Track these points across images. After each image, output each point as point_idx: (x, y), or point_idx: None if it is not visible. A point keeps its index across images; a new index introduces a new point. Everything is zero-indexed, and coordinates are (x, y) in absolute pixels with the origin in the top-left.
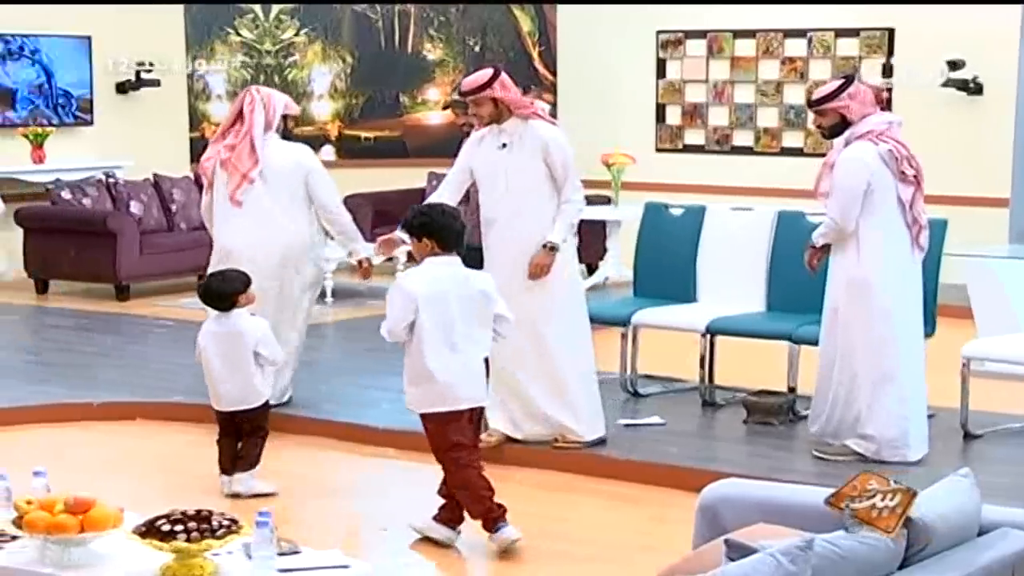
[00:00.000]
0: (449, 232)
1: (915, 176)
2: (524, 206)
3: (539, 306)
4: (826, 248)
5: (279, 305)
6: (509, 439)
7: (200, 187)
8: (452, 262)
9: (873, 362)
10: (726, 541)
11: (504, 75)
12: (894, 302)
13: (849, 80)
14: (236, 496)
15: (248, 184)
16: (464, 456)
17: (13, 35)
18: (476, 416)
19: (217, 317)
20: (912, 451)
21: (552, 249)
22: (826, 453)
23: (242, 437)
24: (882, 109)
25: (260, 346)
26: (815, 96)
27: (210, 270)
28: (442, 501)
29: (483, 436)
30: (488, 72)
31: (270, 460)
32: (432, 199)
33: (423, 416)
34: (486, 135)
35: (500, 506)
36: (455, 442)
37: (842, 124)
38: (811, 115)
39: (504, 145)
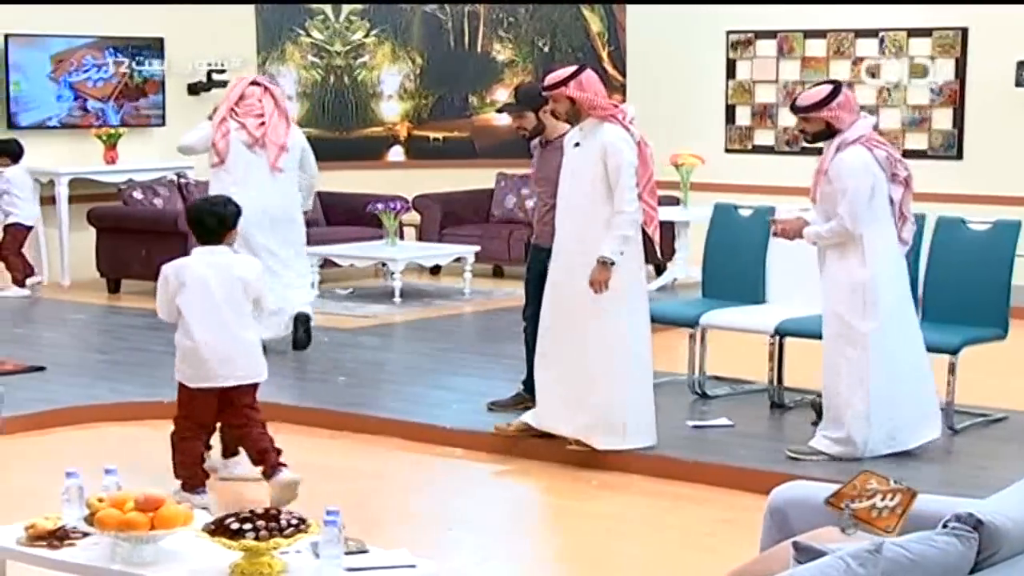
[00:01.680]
0: (196, 225)
1: (906, 178)
2: (580, 207)
3: (588, 306)
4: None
5: (297, 251)
6: (529, 429)
7: None
8: (216, 251)
9: (872, 362)
10: (794, 544)
11: (587, 74)
12: (895, 302)
13: (837, 89)
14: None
15: (285, 153)
16: (191, 429)
17: (88, 35)
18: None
19: None
20: (869, 447)
21: (606, 264)
22: (799, 453)
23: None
24: (954, 110)
25: None
26: (802, 103)
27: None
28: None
29: (502, 425)
30: (570, 69)
31: (338, 459)
32: None
33: (185, 388)
34: (574, 133)
35: (206, 475)
36: (186, 415)
37: (827, 131)
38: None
39: (577, 144)
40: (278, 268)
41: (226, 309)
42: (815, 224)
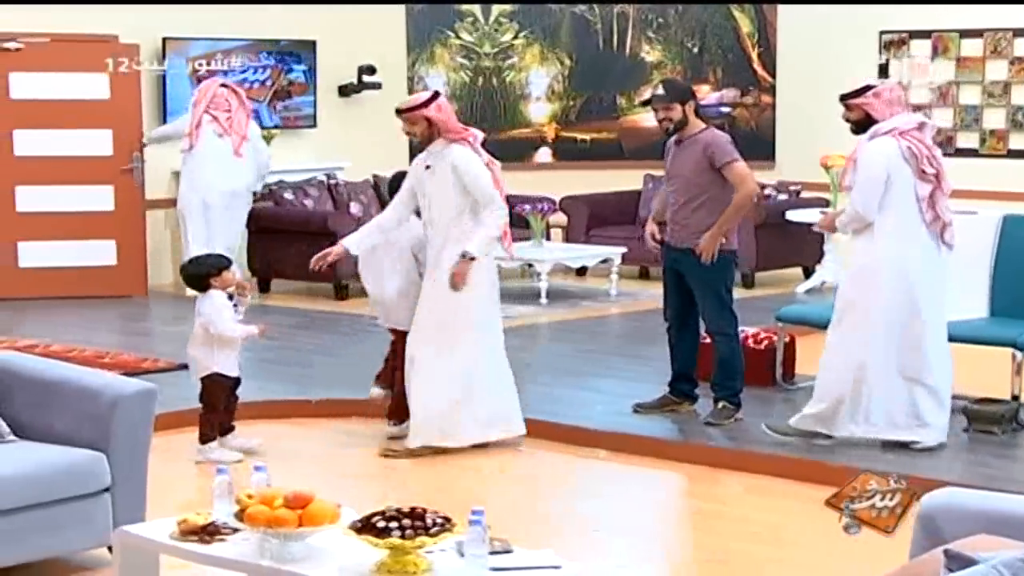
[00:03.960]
0: (392, 194)
1: (935, 175)
2: (442, 224)
3: (444, 318)
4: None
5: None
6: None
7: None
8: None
9: (880, 350)
10: (946, 552)
11: (442, 99)
12: (906, 294)
13: (865, 87)
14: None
15: (246, 142)
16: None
17: (243, 38)
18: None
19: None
20: (927, 435)
21: (470, 259)
22: (774, 430)
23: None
24: None
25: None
26: (845, 91)
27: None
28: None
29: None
30: (427, 94)
31: (478, 459)
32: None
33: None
34: (424, 156)
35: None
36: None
37: (867, 121)
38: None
39: (428, 167)
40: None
41: (387, 267)
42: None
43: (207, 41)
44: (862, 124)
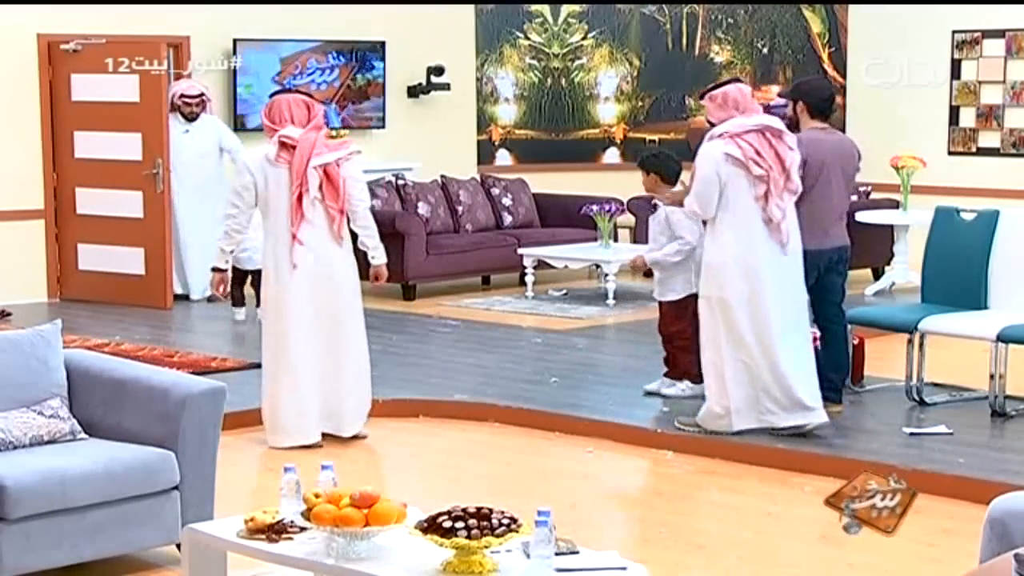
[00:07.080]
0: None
1: (764, 176)
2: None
3: None
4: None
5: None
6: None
7: (486, 189)
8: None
9: (709, 344)
10: (1016, 556)
11: (270, 102)
12: (740, 291)
13: (721, 85)
14: None
15: None
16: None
17: (313, 39)
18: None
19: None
20: (734, 422)
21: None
22: (685, 425)
23: None
24: None
25: None
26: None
27: None
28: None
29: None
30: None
31: (550, 459)
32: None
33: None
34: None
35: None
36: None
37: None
38: None
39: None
40: None
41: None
42: None
43: (277, 42)
44: (711, 124)
